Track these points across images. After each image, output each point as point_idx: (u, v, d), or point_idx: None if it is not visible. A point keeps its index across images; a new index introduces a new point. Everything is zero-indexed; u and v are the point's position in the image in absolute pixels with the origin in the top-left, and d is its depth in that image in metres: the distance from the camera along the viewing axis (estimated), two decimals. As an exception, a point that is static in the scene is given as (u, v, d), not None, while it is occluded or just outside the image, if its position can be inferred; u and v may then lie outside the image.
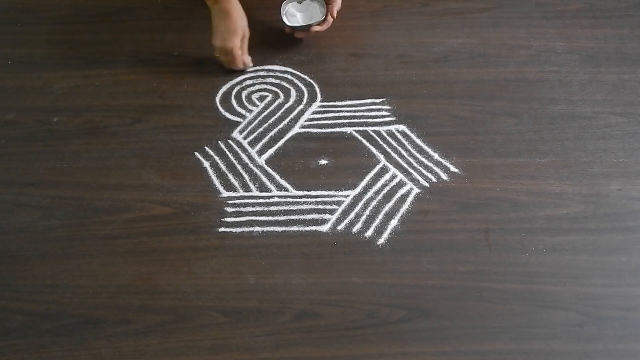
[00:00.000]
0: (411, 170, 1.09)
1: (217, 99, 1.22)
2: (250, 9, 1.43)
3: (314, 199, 1.05)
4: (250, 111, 1.20)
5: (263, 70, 1.28)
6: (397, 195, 1.06)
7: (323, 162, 1.11)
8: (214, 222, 1.02)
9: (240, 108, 1.20)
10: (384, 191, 1.06)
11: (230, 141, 1.14)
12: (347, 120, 1.18)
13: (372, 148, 1.13)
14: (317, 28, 1.28)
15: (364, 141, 1.14)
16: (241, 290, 0.94)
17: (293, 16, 1.30)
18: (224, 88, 1.24)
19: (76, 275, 0.96)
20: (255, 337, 0.89)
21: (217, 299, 0.93)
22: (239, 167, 1.10)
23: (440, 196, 1.05)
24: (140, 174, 1.09)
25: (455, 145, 1.13)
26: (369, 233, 1.01)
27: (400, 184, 1.07)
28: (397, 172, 1.09)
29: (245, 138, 1.15)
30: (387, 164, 1.10)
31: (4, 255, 0.98)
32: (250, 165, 1.10)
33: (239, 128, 1.17)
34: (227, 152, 1.12)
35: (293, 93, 1.23)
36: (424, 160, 1.11)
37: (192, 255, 0.98)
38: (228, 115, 1.19)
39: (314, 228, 1.01)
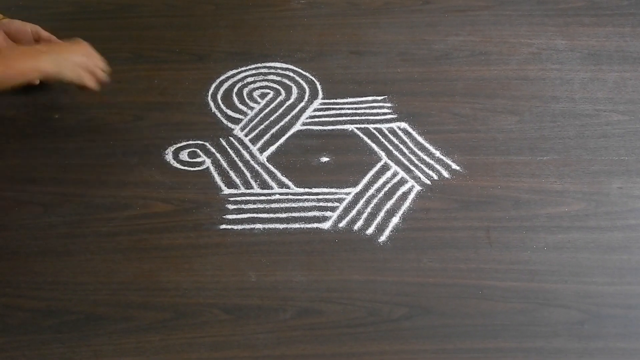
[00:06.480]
0: (412, 168, 1.09)
1: (219, 96, 1.22)
2: (252, 6, 1.43)
3: (315, 197, 1.05)
4: (251, 108, 1.20)
5: (264, 67, 1.28)
6: (399, 192, 1.05)
7: (324, 159, 1.11)
8: (215, 219, 1.02)
9: (241, 105, 1.20)
10: (386, 189, 1.06)
11: (231, 138, 1.14)
12: (348, 118, 1.18)
13: (373, 145, 1.13)
14: None
15: (366, 138, 1.14)
16: (242, 287, 0.94)
17: None
18: (226, 85, 1.24)
19: (77, 272, 0.96)
20: (256, 334, 0.89)
21: (218, 296, 0.93)
22: (240, 164, 1.10)
23: (442, 194, 1.05)
24: (141, 171, 1.09)
25: (456, 143, 1.13)
26: (370, 230, 1.01)
27: (402, 182, 1.07)
28: (399, 169, 1.09)
29: (246, 135, 1.15)
30: (389, 162, 1.10)
31: (5, 251, 0.98)
32: (252, 162, 1.10)
33: (240, 125, 1.17)
34: (229, 149, 1.12)
35: (294, 90, 1.23)
36: (425, 157, 1.11)
37: (193, 252, 0.98)
38: (229, 113, 1.19)
39: (315, 225, 1.01)
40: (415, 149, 1.12)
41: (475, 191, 1.06)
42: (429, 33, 1.35)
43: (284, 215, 1.03)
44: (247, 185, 1.07)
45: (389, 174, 1.08)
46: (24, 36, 1.18)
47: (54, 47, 1.11)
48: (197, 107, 1.20)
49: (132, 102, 1.21)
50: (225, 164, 1.10)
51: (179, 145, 1.13)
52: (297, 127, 1.17)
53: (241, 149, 1.13)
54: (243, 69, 1.28)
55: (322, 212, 1.03)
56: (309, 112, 1.19)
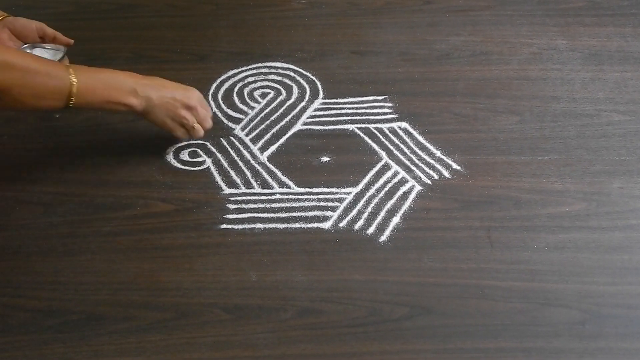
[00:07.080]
0: (413, 168, 1.09)
1: (219, 95, 1.22)
2: (252, 6, 1.43)
3: (315, 196, 1.05)
4: (252, 108, 1.20)
5: (265, 67, 1.28)
6: (399, 192, 1.05)
7: (325, 159, 1.11)
8: (216, 219, 1.02)
9: (242, 105, 1.20)
10: (386, 188, 1.06)
11: (232, 138, 1.14)
12: (349, 118, 1.18)
13: (374, 145, 1.13)
14: None
15: (366, 138, 1.14)
16: (243, 287, 0.94)
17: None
18: (226, 85, 1.24)
19: (78, 272, 0.96)
20: (257, 334, 0.89)
21: (218, 295, 0.93)
22: (240, 164, 1.10)
23: (442, 194, 1.05)
24: (142, 171, 1.09)
25: (457, 143, 1.13)
26: (370, 230, 1.00)
27: (402, 182, 1.07)
28: (399, 169, 1.09)
29: (247, 135, 1.15)
30: (389, 161, 1.10)
31: (6, 251, 0.98)
32: (252, 162, 1.10)
33: (241, 125, 1.17)
34: (229, 149, 1.12)
35: (295, 90, 1.23)
36: (426, 157, 1.11)
37: (194, 252, 0.98)
38: (230, 112, 1.19)
39: (315, 225, 1.01)
40: (416, 149, 1.12)
41: (476, 191, 1.06)
42: (430, 33, 1.35)
43: (284, 215, 1.03)
44: (248, 185, 1.07)
45: (389, 173, 1.08)
46: (29, 33, 1.17)
47: (156, 83, 1.02)
48: (197, 106, 1.20)
49: (133, 101, 1.20)
50: (225, 164, 1.10)
51: (179, 144, 1.13)
52: (298, 126, 1.17)
53: (242, 148, 1.13)
54: (244, 68, 1.28)
55: (323, 212, 1.03)
56: (309, 111, 1.19)
